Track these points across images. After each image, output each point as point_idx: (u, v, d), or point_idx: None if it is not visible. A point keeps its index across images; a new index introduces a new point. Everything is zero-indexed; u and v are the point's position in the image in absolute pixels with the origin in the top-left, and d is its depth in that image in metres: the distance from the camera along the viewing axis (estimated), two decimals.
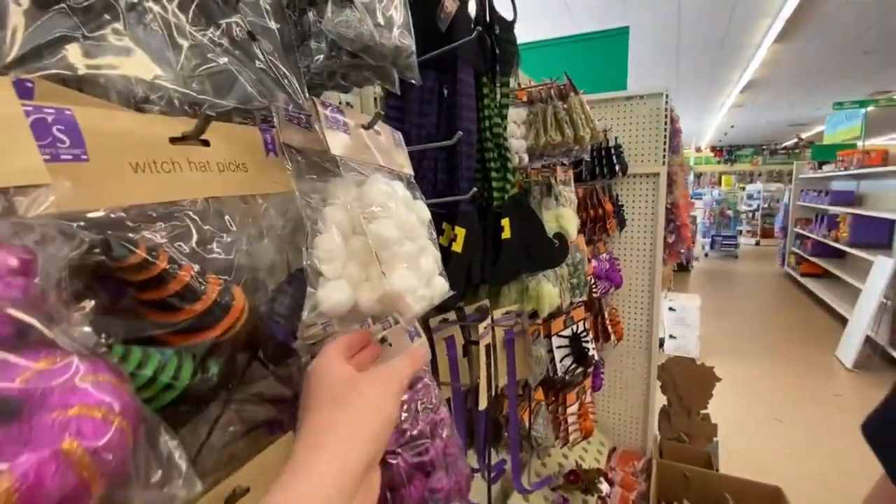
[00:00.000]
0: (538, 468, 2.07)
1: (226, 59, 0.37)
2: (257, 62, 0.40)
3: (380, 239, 0.45)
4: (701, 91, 9.32)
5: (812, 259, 6.52)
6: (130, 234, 0.30)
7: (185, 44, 0.37)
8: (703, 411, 2.70)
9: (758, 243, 11.61)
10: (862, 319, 4.22)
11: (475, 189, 0.92)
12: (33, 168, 0.24)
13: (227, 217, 0.41)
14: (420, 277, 0.52)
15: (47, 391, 0.18)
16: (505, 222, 1.11)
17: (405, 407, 0.58)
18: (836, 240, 5.77)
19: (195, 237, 0.36)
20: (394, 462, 0.51)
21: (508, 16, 1.11)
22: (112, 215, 0.29)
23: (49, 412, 0.17)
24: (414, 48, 0.56)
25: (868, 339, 4.21)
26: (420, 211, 0.57)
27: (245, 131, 0.43)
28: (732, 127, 12.26)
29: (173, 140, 0.34)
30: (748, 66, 7.55)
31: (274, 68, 0.41)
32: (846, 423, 3.26)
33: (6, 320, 0.19)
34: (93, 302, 0.27)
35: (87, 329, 0.23)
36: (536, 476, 1.95)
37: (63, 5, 0.29)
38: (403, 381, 0.41)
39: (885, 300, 4.13)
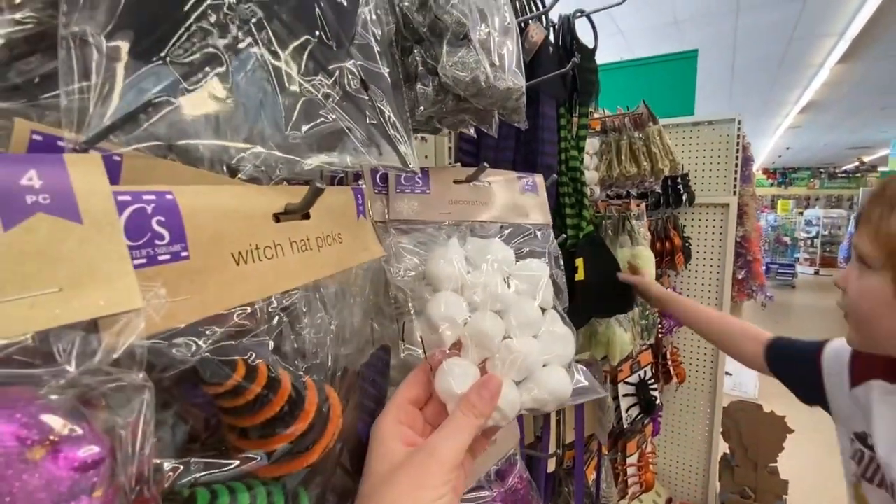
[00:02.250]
0: None
1: (335, 116, 0.31)
2: (367, 115, 0.33)
3: (479, 334, 0.37)
4: (755, 112, 8.94)
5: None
6: (225, 347, 0.23)
7: (292, 97, 0.31)
8: (771, 465, 2.45)
9: (817, 272, 10.85)
10: None
11: (564, 235, 0.83)
12: (122, 290, 0.17)
13: (321, 297, 0.34)
14: (535, 375, 0.42)
15: None
16: (579, 262, 1.01)
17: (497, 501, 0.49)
18: None
19: (292, 332, 0.29)
20: None
21: (589, 42, 1.03)
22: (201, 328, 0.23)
23: None
24: (524, 88, 0.49)
25: None
26: (540, 280, 0.46)
27: (340, 194, 0.36)
28: (788, 149, 11.69)
29: (276, 216, 0.28)
30: (808, 86, 7.20)
31: (386, 123, 0.34)
32: None
33: None
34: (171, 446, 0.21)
35: None
36: None
37: (163, 60, 0.23)
38: (451, 463, 0.31)
39: None
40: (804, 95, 7.60)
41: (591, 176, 1.21)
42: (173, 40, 0.26)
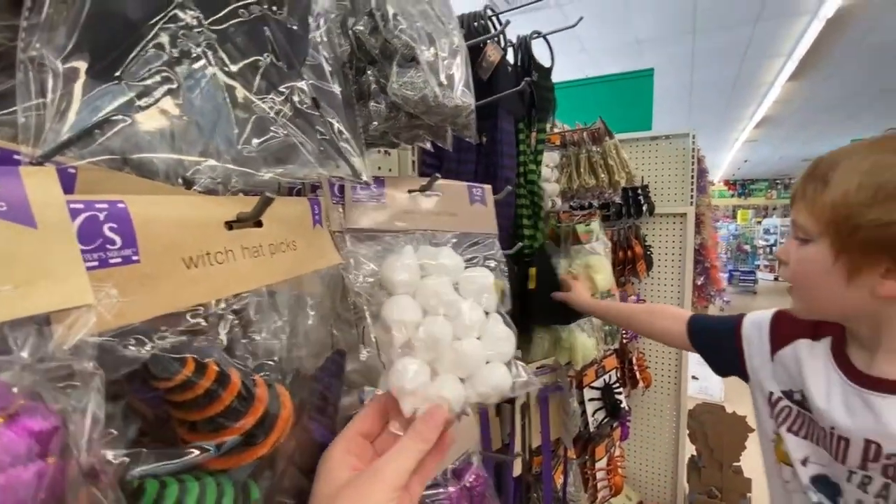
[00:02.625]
0: None
1: (286, 132, 0.33)
2: (318, 131, 0.36)
3: (428, 339, 0.40)
4: (714, 127, 9.36)
5: None
6: (167, 341, 0.25)
7: (245, 114, 0.33)
8: (735, 464, 2.54)
9: (777, 278, 11.36)
10: None
11: (521, 244, 0.87)
12: (73, 288, 0.19)
13: (274, 301, 0.36)
14: (478, 374, 0.45)
15: None
16: (532, 272, 1.05)
17: (451, 499, 0.51)
18: None
19: (246, 335, 0.31)
20: None
21: (546, 62, 1.09)
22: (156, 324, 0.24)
23: None
24: (474, 106, 0.52)
25: None
26: (486, 288, 0.49)
27: (295, 204, 0.39)
28: (746, 161, 12.26)
29: (229, 224, 0.30)
30: (762, 103, 7.60)
31: (337, 137, 0.36)
32: None
33: None
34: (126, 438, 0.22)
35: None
36: None
37: (118, 79, 0.25)
38: (394, 483, 0.34)
39: None
40: (758, 111, 8.02)
41: (552, 188, 1.26)
42: (128, 61, 0.28)
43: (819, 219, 0.66)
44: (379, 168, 0.83)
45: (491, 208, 0.54)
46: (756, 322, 0.87)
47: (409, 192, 0.51)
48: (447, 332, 0.44)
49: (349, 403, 0.53)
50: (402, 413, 0.40)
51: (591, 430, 1.44)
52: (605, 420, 1.48)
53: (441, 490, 0.49)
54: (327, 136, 0.37)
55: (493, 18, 0.92)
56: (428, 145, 0.59)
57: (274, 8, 0.33)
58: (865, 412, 0.67)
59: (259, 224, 0.33)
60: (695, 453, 2.57)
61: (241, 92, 0.32)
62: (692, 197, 2.11)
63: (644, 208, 1.97)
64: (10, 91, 0.26)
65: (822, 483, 0.72)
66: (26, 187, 0.18)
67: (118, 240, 0.22)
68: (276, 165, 0.36)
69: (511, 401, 1.01)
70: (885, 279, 0.62)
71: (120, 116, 0.25)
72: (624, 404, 1.66)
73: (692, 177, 2.10)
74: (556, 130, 1.38)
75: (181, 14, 0.28)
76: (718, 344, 0.93)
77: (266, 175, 0.36)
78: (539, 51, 1.08)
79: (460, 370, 0.44)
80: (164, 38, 0.29)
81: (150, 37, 0.30)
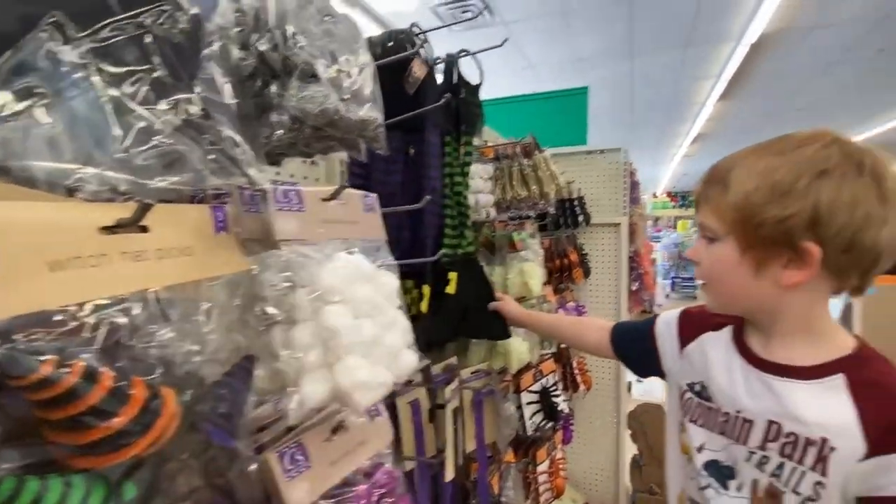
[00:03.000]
0: None
1: (172, 140, 0.34)
2: (210, 141, 0.37)
3: (329, 329, 0.42)
4: (655, 142, 9.93)
5: None
6: (35, 345, 0.26)
7: (131, 122, 0.34)
8: None
9: None
10: None
11: (443, 251, 0.90)
12: None
13: (165, 305, 0.37)
14: (382, 360, 0.49)
15: None
16: (452, 276, 1.04)
17: (362, 498, 0.53)
18: None
19: (127, 331, 0.32)
20: None
21: (475, 79, 1.14)
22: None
23: None
24: (381, 120, 0.55)
25: None
26: (386, 282, 0.54)
27: (191, 211, 0.40)
28: (685, 175, 13.04)
29: (106, 229, 0.31)
30: (696, 120, 8.15)
31: (230, 147, 0.38)
32: None
33: None
34: None
35: None
36: None
37: None
38: None
39: None
40: (693, 128, 8.60)
41: (486, 199, 1.31)
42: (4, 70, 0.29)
43: (724, 219, 0.71)
44: (305, 177, 0.84)
45: (379, 215, 0.58)
46: (666, 321, 0.93)
47: (322, 200, 0.53)
48: (378, 332, 0.49)
49: (266, 414, 0.54)
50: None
51: (529, 433, 1.49)
52: (543, 423, 1.53)
53: (349, 489, 0.51)
54: (219, 147, 0.38)
55: (420, 36, 0.96)
56: (344, 156, 0.62)
57: (160, 23, 0.35)
58: (767, 395, 0.72)
59: (144, 228, 0.34)
60: (637, 452, 2.69)
61: (124, 102, 0.33)
62: (625, 208, 2.24)
63: (580, 219, 2.07)
64: None
65: (714, 468, 0.77)
66: None
67: None
68: (167, 174, 0.37)
69: (443, 406, 1.04)
70: (787, 269, 0.67)
71: None
72: (562, 407, 1.72)
73: (624, 189, 2.23)
74: (489, 144, 1.44)
75: (55, 30, 0.30)
76: (637, 347, 0.99)
77: (159, 183, 0.37)
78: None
79: (387, 360, 0.48)
80: (39, 51, 0.30)
81: (28, 48, 0.31)
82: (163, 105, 0.35)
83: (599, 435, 2.47)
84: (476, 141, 1.19)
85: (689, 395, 0.84)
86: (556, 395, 1.59)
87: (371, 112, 0.53)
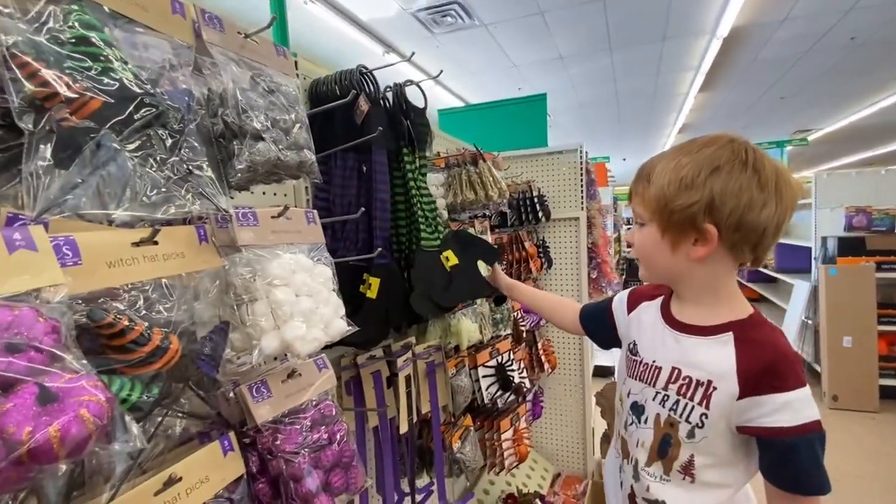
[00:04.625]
0: (478, 490, 2.21)
1: (164, 189, 0.58)
2: (193, 184, 0.61)
3: (276, 302, 0.66)
4: (642, 133, 10.09)
5: (749, 285, 7.03)
6: (104, 306, 0.50)
7: (143, 178, 0.58)
8: None
9: None
10: (788, 339, 4.62)
11: (380, 249, 1.14)
12: (57, 276, 0.44)
13: (169, 289, 0.61)
14: (316, 324, 0.73)
15: (72, 389, 0.37)
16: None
17: (308, 418, 0.77)
18: (766, 266, 6.30)
19: (146, 304, 0.56)
20: (295, 460, 0.69)
21: (421, 104, 1.37)
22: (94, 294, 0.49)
23: (73, 398, 0.36)
24: (314, 159, 0.79)
25: None
26: (321, 273, 0.78)
27: (184, 230, 0.64)
28: None
29: (134, 244, 0.55)
30: (680, 111, 8.30)
31: (207, 187, 0.62)
32: None
33: (49, 354, 0.38)
34: (84, 347, 0.46)
35: (85, 361, 0.43)
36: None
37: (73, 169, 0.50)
38: None
39: (806, 320, 4.55)
40: (679, 119, 8.75)
41: (439, 203, 1.54)
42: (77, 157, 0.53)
43: (648, 208, 0.88)
44: (275, 194, 1.08)
45: (319, 226, 0.82)
46: (620, 298, 1.16)
47: (272, 217, 0.77)
48: (313, 306, 0.72)
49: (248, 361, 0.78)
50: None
51: (486, 402, 1.73)
52: (499, 393, 1.77)
53: (301, 413, 0.75)
54: (199, 189, 0.62)
55: (366, 75, 1.19)
56: (292, 182, 0.85)
57: (161, 122, 0.59)
58: (675, 347, 0.91)
59: (156, 242, 0.58)
60: (606, 427, 2.93)
61: (141, 165, 0.57)
62: (583, 202, 2.47)
63: (540, 215, 2.30)
64: (5, 177, 0.50)
65: (634, 407, 0.98)
66: (31, 232, 0.43)
67: (71, 254, 0.47)
68: (167, 207, 0.61)
69: (397, 374, 1.28)
70: (694, 246, 0.84)
71: (76, 192, 0.49)
72: (524, 382, 1.96)
73: (582, 185, 2.46)
74: (441, 155, 1.68)
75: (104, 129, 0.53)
76: (600, 323, 1.20)
77: (162, 215, 0.61)
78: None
79: (321, 325, 0.72)
80: (91, 143, 0.54)
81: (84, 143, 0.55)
82: (164, 165, 0.59)
83: (567, 411, 2.71)
84: (427, 155, 1.42)
85: (627, 353, 1.06)
86: (512, 370, 1.82)
87: (306, 155, 0.77)
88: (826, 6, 4.65)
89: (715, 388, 0.83)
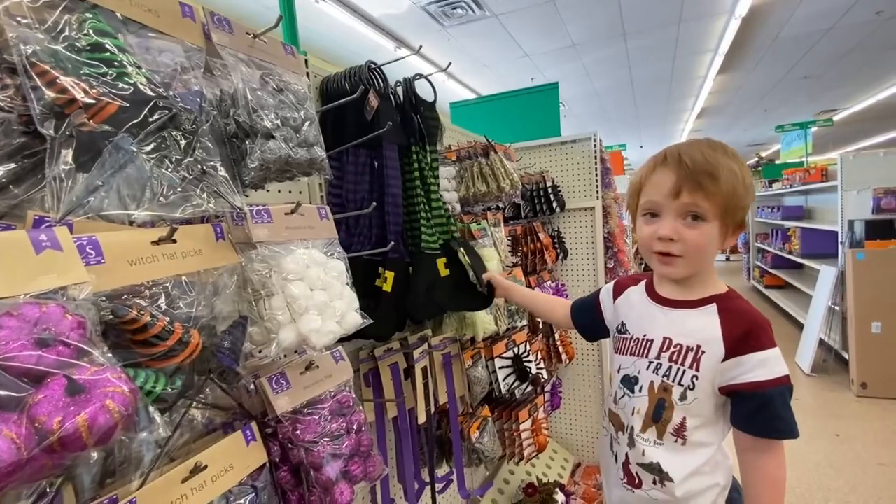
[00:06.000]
0: (498, 479, 2.22)
1: (181, 189, 0.60)
2: (209, 184, 0.63)
3: (291, 296, 0.68)
4: (660, 119, 9.88)
5: (773, 272, 6.87)
6: (128, 303, 0.52)
7: (160, 178, 0.60)
8: None
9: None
10: (814, 326, 4.50)
11: (393, 243, 1.15)
12: (82, 274, 0.46)
13: (189, 285, 0.63)
14: (331, 317, 0.74)
15: (98, 381, 0.39)
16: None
17: (327, 408, 0.79)
18: (790, 252, 6.13)
19: (167, 300, 0.58)
20: (315, 449, 0.71)
21: (430, 97, 1.37)
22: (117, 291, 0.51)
23: (99, 389, 0.38)
24: (324, 155, 0.80)
25: (822, 344, 4.48)
26: (334, 268, 0.79)
27: (201, 228, 0.66)
28: None
29: (154, 242, 0.57)
30: (699, 95, 8.09)
31: (221, 186, 0.64)
32: (803, 425, 3.46)
33: (76, 349, 0.40)
34: (109, 341, 0.49)
35: (110, 355, 0.45)
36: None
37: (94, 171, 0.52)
38: None
39: (833, 306, 4.42)
40: (697, 103, 8.53)
41: (450, 196, 1.54)
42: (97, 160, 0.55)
43: (717, 205, 0.91)
44: (290, 192, 1.10)
45: (332, 222, 0.83)
46: (606, 289, 1.23)
47: (285, 214, 0.78)
48: (327, 299, 0.74)
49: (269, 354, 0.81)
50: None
51: (504, 392, 1.74)
52: (516, 384, 1.78)
53: (320, 404, 0.77)
54: (214, 188, 0.64)
55: (375, 71, 1.20)
56: (305, 180, 0.87)
57: (177, 127, 0.60)
58: (664, 320, 1.01)
59: (175, 241, 0.60)
60: None
61: (157, 166, 0.59)
62: (598, 192, 2.44)
63: (555, 205, 2.29)
64: (31, 181, 0.53)
65: (625, 380, 1.04)
66: (56, 233, 0.45)
67: (94, 253, 0.49)
68: (186, 206, 0.63)
69: (413, 366, 1.29)
70: (732, 237, 0.97)
71: (98, 193, 0.51)
72: (542, 373, 1.96)
73: (596, 174, 2.43)
74: (452, 148, 1.67)
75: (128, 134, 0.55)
76: (588, 316, 1.27)
77: (180, 214, 0.63)
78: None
79: (336, 318, 0.74)
80: (109, 146, 0.56)
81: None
82: (180, 166, 0.61)
83: (586, 401, 2.70)
84: (438, 149, 1.42)
85: (616, 334, 1.14)
86: (529, 361, 1.83)
87: (316, 152, 0.78)
88: None
89: (704, 352, 0.92)
